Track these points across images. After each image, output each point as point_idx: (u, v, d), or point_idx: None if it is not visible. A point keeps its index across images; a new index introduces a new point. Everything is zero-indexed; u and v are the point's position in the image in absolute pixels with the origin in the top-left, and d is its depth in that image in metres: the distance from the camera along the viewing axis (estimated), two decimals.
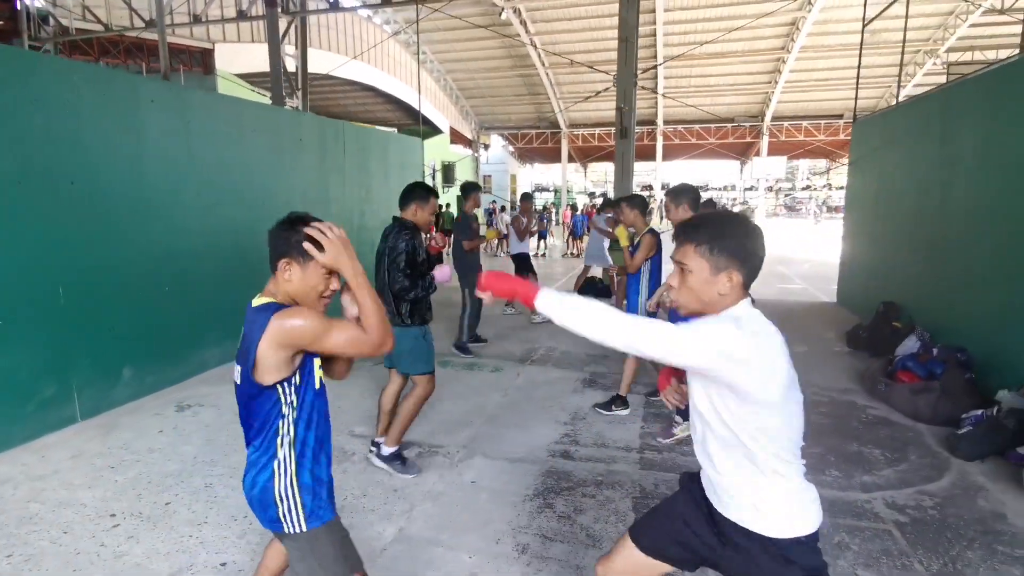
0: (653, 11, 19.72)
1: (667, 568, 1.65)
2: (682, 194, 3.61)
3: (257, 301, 1.57)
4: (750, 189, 35.01)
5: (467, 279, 5.90)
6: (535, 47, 22.27)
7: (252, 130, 5.73)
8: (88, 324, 4.10)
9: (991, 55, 19.06)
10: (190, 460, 3.49)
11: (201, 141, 5.08)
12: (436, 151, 29.01)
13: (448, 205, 17.96)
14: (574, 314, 1.39)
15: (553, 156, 33.92)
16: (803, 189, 39.79)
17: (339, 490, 3.14)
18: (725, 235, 1.41)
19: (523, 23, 21.36)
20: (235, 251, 5.45)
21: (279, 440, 1.58)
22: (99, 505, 2.99)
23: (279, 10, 11.36)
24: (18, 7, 12.80)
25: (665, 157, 31.09)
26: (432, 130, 28.15)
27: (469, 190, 5.95)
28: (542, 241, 17.03)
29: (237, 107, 5.73)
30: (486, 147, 34.81)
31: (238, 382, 1.59)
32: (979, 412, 3.77)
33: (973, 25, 19.36)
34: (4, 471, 3.34)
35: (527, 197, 8.74)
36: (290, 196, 6.27)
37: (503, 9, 19.90)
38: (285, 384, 1.55)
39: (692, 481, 1.66)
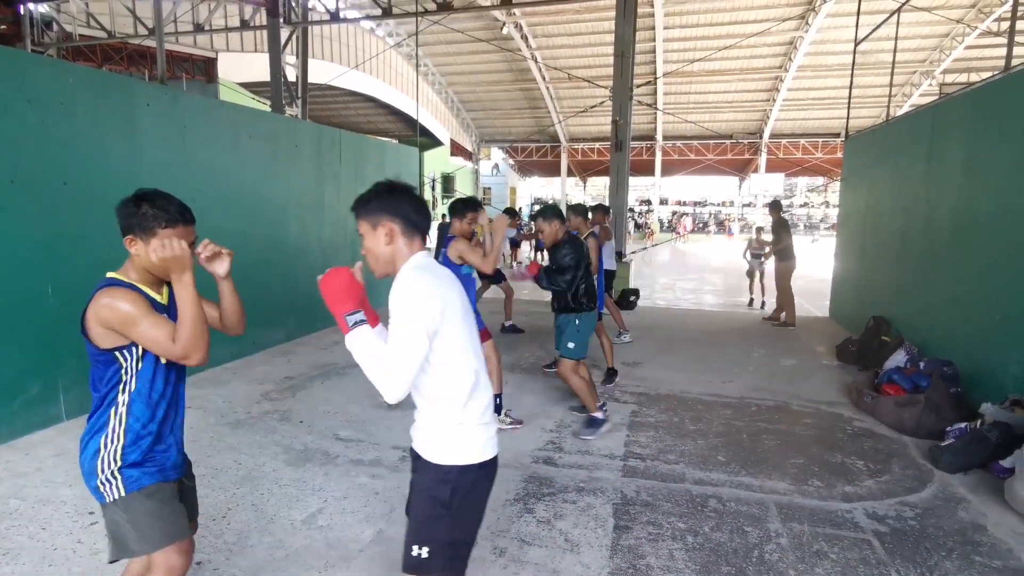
0: (653, 28, 19.97)
1: None
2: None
3: (110, 273, 1.65)
4: (748, 205, 35.18)
5: None
6: (536, 61, 22.52)
7: (248, 136, 5.78)
8: (76, 324, 4.09)
9: (986, 76, 19.30)
10: None
11: (197, 146, 5.13)
12: (436, 163, 29.21)
13: (444, 216, 18.07)
14: (358, 353, 1.51)
15: (552, 169, 34.13)
16: (801, 206, 39.97)
17: (320, 492, 3.16)
18: (369, 199, 1.61)
19: (524, 38, 21.62)
20: None
21: (113, 409, 1.64)
22: (79, 503, 2.98)
23: (281, 20, 11.49)
24: (21, 12, 12.93)
25: (664, 172, 31.31)
26: (432, 142, 28.37)
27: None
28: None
29: (234, 113, 5.79)
30: (496, 167, 35.00)
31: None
32: (963, 425, 3.78)
33: (968, 47, 19.62)
34: None
35: (512, 212, 9.18)
36: (285, 202, 6.31)
37: (504, 24, 20.14)
38: (124, 351, 1.60)
39: None
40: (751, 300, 9.91)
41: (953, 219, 4.98)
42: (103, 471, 1.63)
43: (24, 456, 3.51)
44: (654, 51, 21.28)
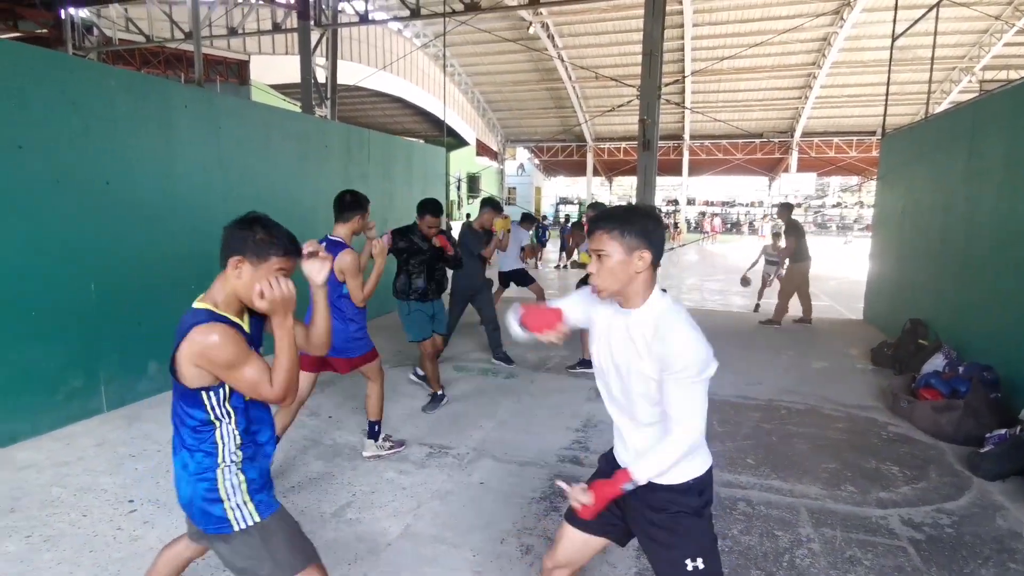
0: (681, 26, 19.75)
1: (602, 542, 1.80)
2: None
3: (198, 304, 1.57)
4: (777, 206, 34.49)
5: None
6: (562, 61, 22.46)
7: (280, 136, 5.89)
8: (117, 319, 4.25)
9: None
10: None
11: (230, 147, 5.25)
12: (462, 163, 29.35)
13: (468, 216, 18.22)
14: (662, 466, 1.57)
15: (578, 169, 34.01)
16: (833, 206, 39.06)
17: (349, 487, 3.21)
18: (631, 220, 1.55)
19: (550, 37, 21.59)
20: None
21: (214, 444, 1.58)
22: (119, 491, 3.08)
23: (311, 23, 11.67)
24: (62, 16, 13.35)
25: (692, 172, 30.94)
26: (459, 142, 28.51)
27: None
28: (563, 252, 17.05)
29: (266, 114, 5.91)
30: (522, 167, 35.08)
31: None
32: (1003, 431, 3.66)
33: (1008, 44, 18.96)
34: (30, 457, 3.47)
35: (528, 217, 8.81)
36: (315, 201, 6.41)
37: (531, 24, 20.14)
38: (211, 393, 1.53)
39: (606, 459, 1.85)
40: (757, 306, 9.26)
41: (994, 218, 4.82)
42: (229, 499, 1.59)
43: (66, 446, 3.64)
44: (682, 49, 21.04)
